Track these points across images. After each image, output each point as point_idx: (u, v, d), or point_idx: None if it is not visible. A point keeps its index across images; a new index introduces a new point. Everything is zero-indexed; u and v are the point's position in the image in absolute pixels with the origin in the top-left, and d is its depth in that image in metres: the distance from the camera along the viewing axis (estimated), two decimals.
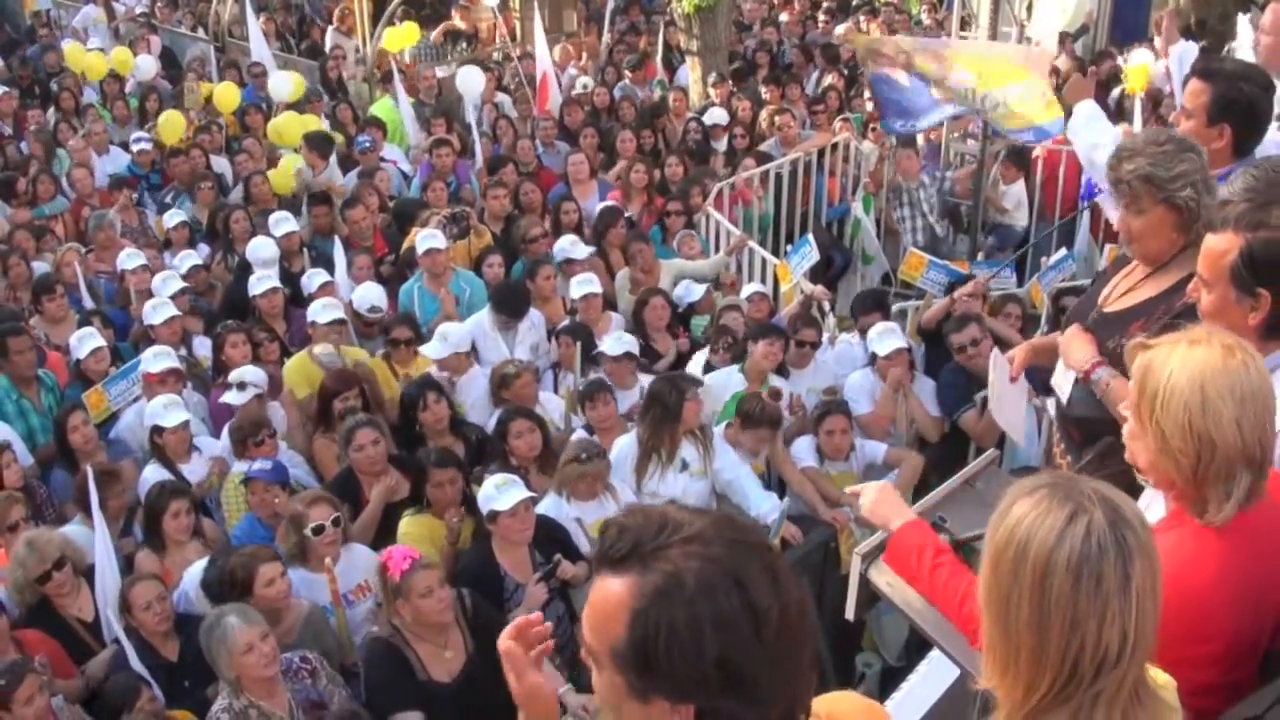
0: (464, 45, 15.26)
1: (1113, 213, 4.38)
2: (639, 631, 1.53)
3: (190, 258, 8.29)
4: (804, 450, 6.16)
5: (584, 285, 7.32)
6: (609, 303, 7.65)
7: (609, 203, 8.90)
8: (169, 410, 6.01)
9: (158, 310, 7.15)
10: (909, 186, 9.40)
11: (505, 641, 2.00)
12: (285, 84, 11.52)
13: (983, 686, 1.99)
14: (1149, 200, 3.24)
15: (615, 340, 6.60)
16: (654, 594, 1.52)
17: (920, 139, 9.32)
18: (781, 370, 6.57)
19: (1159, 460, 2.28)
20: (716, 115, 10.78)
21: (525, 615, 2.08)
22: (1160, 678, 1.98)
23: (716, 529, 1.58)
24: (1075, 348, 3.49)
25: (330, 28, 15.15)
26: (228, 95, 11.92)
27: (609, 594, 1.57)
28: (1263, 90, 3.80)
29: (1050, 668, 1.85)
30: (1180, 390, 2.21)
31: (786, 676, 1.57)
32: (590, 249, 7.98)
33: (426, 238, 7.64)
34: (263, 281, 7.51)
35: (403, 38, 12.15)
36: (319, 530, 5.07)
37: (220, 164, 10.71)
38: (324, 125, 10.89)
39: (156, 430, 6.01)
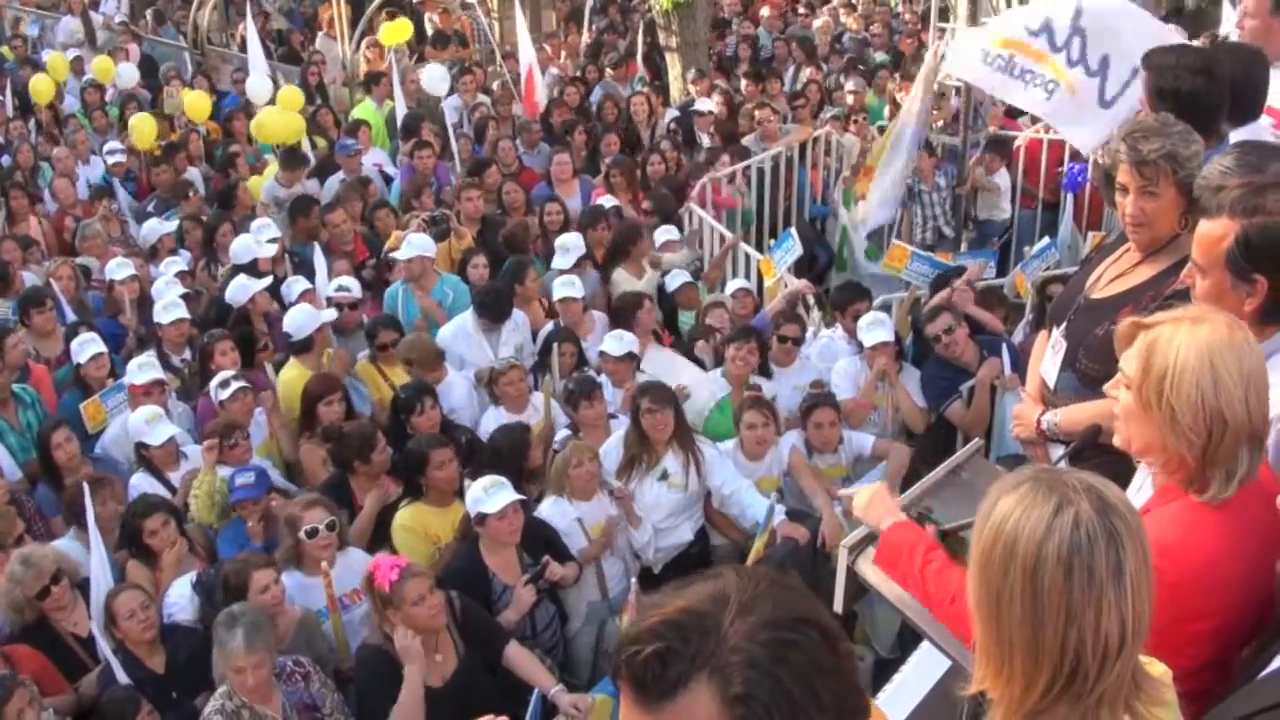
0: (452, 46, 15.20)
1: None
2: None
3: (175, 264, 8.29)
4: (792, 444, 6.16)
5: (564, 288, 7.29)
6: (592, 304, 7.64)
7: (595, 203, 8.88)
8: (153, 427, 5.98)
9: (167, 310, 7.15)
10: (922, 189, 9.34)
11: None
12: (263, 88, 11.47)
13: (974, 691, 1.94)
14: (1165, 181, 3.22)
15: (617, 340, 6.59)
16: (747, 683, 1.28)
17: None
18: (764, 370, 6.55)
19: (1170, 440, 2.24)
20: (704, 103, 10.77)
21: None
22: (1155, 668, 1.95)
23: (739, 588, 1.36)
24: (1024, 413, 3.72)
25: (320, 33, 15.10)
26: (199, 104, 11.88)
27: None
28: (1208, 79, 3.83)
29: (1048, 664, 1.81)
30: (1191, 368, 2.18)
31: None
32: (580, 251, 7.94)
33: (410, 245, 7.61)
34: (240, 293, 7.49)
35: (397, 32, 12.09)
36: (312, 533, 5.07)
37: (195, 173, 10.66)
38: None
39: (143, 444, 5.98)
